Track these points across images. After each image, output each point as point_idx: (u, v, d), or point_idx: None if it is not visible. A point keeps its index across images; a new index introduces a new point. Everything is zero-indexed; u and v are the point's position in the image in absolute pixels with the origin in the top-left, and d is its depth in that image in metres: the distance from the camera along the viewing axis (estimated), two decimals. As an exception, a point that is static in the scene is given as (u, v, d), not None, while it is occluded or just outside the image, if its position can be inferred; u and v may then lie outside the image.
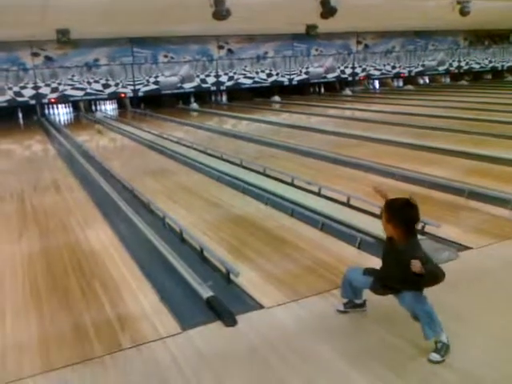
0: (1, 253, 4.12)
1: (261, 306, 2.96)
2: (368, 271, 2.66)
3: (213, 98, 18.29)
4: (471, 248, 3.68)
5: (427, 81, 21.99)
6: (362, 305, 2.83)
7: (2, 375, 2.42)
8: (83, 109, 16.28)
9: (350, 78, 19.86)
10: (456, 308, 2.42)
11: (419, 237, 3.80)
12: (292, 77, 18.70)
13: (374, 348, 2.51)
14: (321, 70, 19.09)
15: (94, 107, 16.62)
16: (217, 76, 17.42)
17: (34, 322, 2.93)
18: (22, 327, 2.88)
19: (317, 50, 18.82)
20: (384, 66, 20.31)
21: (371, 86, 21.22)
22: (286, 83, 18.69)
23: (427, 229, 3.97)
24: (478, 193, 4.90)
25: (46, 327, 2.86)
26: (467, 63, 22.04)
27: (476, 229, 4.08)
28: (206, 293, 3.07)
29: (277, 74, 18.40)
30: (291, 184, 5.76)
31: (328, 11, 10.75)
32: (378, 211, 4.46)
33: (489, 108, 11.58)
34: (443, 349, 2.36)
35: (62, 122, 14.85)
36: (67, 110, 16.30)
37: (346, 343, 2.56)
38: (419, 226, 4.01)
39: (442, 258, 3.42)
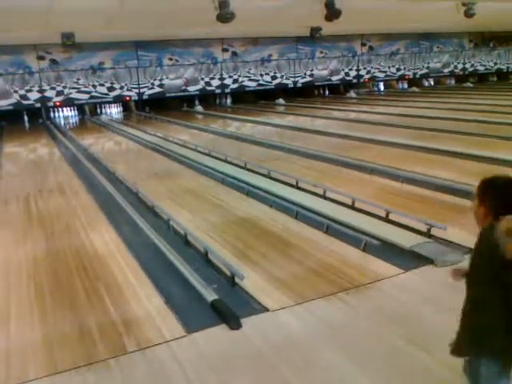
0: (6, 255, 4.12)
1: (265, 309, 2.95)
2: None
3: (217, 100, 18.32)
4: (477, 250, 3.64)
5: (432, 83, 21.93)
6: None
7: (7, 378, 2.42)
8: (88, 112, 16.33)
9: (354, 81, 19.83)
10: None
11: (424, 240, 3.85)
12: (296, 79, 18.69)
13: (381, 352, 2.49)
14: (325, 72, 19.09)
15: (99, 110, 16.67)
16: (221, 79, 17.44)
17: (38, 324, 2.93)
18: (26, 330, 2.88)
19: (321, 52, 18.82)
20: (389, 68, 20.26)
21: (376, 88, 21.19)
22: (291, 86, 18.68)
23: (433, 231, 3.94)
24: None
25: (51, 330, 2.86)
26: (472, 65, 21.96)
27: (482, 231, 4.04)
28: (210, 296, 3.06)
29: (281, 77, 18.39)
30: (296, 186, 5.75)
31: (332, 14, 10.77)
32: (383, 213, 4.48)
33: (494, 110, 11.53)
34: None
35: (67, 126, 14.91)
36: (72, 113, 16.37)
37: (351, 347, 2.54)
38: (425, 229, 4.00)
39: (448, 261, 3.40)
